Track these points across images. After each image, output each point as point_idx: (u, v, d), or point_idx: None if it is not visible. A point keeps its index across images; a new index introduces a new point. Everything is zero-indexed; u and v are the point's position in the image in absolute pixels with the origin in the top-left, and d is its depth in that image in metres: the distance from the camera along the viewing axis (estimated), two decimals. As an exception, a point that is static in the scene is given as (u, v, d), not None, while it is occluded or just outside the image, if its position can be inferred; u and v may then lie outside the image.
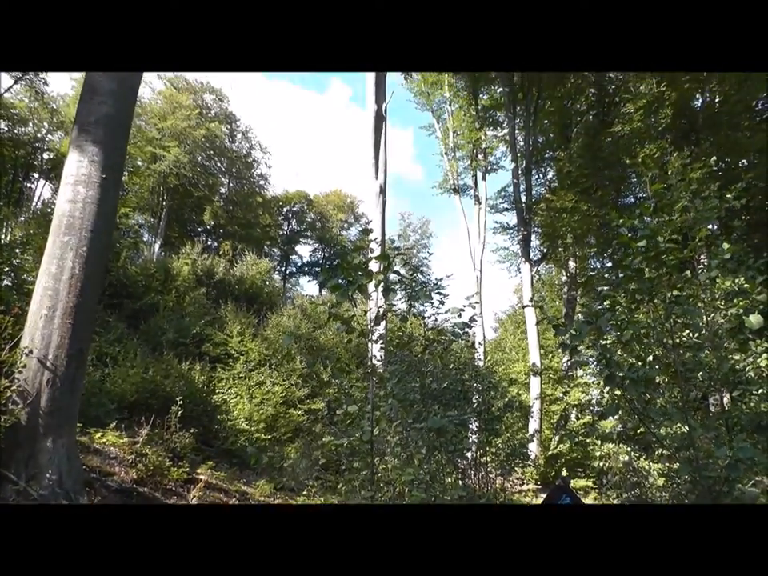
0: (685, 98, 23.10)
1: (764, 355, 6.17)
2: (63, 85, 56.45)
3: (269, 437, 18.68)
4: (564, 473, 18.45)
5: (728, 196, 6.25)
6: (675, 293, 5.54)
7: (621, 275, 5.79)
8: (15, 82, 36.90)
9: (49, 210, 23.19)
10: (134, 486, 9.67)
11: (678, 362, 5.48)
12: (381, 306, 7.35)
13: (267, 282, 35.85)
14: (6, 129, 38.59)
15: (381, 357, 9.73)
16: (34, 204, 39.92)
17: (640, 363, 5.65)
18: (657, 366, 5.80)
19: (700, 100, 24.12)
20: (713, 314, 6.63)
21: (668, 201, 5.64)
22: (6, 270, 16.83)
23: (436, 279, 7.65)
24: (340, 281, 5.22)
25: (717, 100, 23.07)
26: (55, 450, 7.43)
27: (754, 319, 4.85)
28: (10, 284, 16.45)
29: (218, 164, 55.83)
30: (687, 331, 6.22)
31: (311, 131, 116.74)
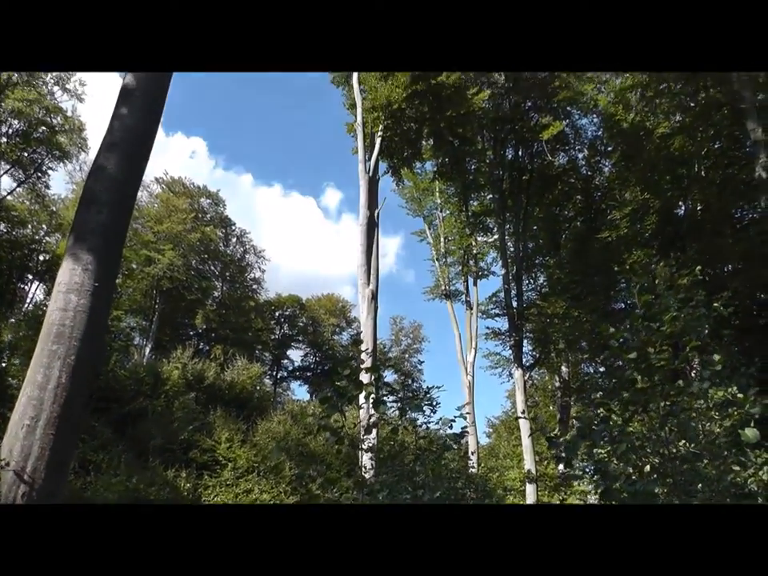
0: (668, 205, 23.64)
1: (765, 468, 6.04)
2: (63, 188, 57.57)
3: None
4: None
5: (715, 305, 6.26)
6: (669, 402, 5.48)
7: (614, 383, 5.74)
8: (18, 185, 37.74)
9: (40, 313, 23.16)
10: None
11: (676, 473, 5.36)
12: (371, 416, 7.24)
13: (258, 387, 35.62)
14: (5, 231, 39.11)
15: (371, 466, 9.52)
16: (26, 305, 39.98)
17: (637, 474, 5.52)
18: (654, 476, 5.65)
19: (683, 207, 24.66)
20: (708, 424, 6.54)
21: (657, 310, 5.64)
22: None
23: (427, 388, 7.55)
24: (329, 394, 5.14)
25: (699, 208, 23.59)
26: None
27: (750, 433, 4.76)
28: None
29: (212, 267, 56.33)
30: (683, 441, 6.11)
31: (304, 235, 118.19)
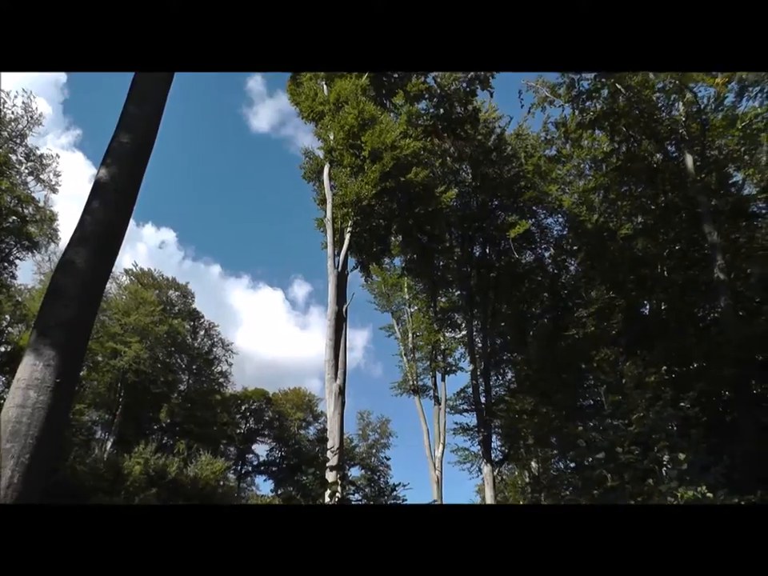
0: (633, 304, 24.05)
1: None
2: (30, 278, 57.16)
3: None
4: None
5: (682, 404, 6.31)
6: (640, 500, 5.44)
7: (584, 481, 5.70)
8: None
9: (-1, 405, 22.58)
10: None
11: None
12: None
13: (221, 482, 34.85)
14: (-34, 320, 38.49)
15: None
16: (-17, 400, 38.92)
17: None
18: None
19: (648, 307, 25.07)
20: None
21: (625, 409, 5.67)
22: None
23: (393, 485, 7.43)
24: (293, 492, 5.06)
25: (663, 307, 24.01)
26: None
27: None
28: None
29: (179, 360, 55.72)
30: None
31: (272, 326, 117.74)
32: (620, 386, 6.39)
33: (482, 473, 28.19)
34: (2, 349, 41.05)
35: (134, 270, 54.54)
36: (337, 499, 5.00)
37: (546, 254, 30.46)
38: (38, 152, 36.36)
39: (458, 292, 31.03)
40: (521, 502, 38.04)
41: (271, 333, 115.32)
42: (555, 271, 29.57)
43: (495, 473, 26.93)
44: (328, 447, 5.35)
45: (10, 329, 42.20)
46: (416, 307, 34.89)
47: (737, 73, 17.50)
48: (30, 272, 60.76)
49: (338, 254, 21.52)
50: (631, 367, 6.93)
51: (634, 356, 18.67)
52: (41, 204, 37.77)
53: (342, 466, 5.02)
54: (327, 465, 5.30)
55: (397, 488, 7.33)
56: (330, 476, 5.53)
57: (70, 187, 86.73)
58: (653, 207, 24.03)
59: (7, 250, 37.36)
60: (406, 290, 34.64)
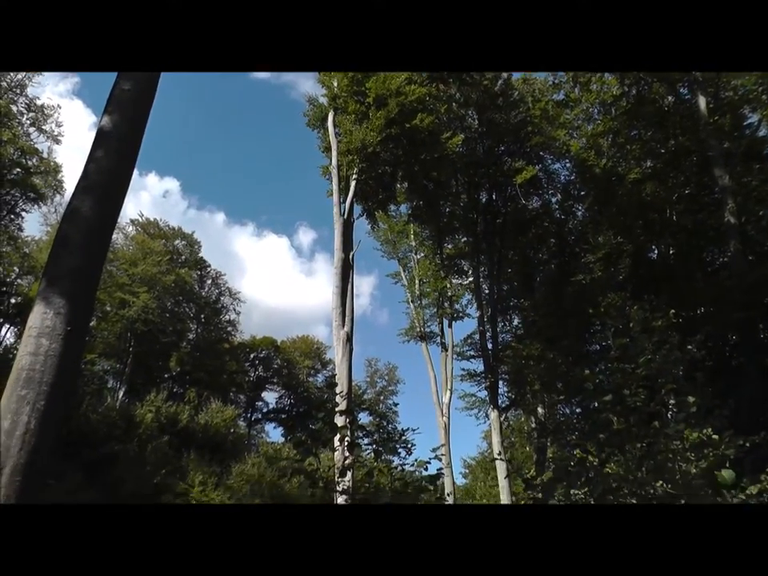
0: (641, 249, 23.91)
1: (741, 508, 6.03)
2: (37, 228, 57.20)
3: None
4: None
5: (689, 347, 6.30)
6: (645, 443, 5.47)
7: (590, 425, 5.73)
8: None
9: (11, 356, 22.83)
10: None
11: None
12: (346, 458, 7.16)
13: (232, 430, 35.26)
14: (-27, 274, 38.69)
15: (347, 510, 9.38)
16: (-5, 350, 39.33)
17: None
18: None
19: (655, 252, 24.95)
20: (685, 465, 6.53)
21: (632, 353, 5.67)
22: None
23: (402, 430, 7.49)
24: (302, 437, 5.10)
25: (671, 252, 23.89)
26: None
27: (727, 474, 4.77)
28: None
29: (187, 310, 55.96)
30: (660, 482, 6.09)
31: (278, 274, 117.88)
32: (627, 330, 6.39)
33: (488, 418, 28.50)
34: (13, 300, 41.35)
35: (140, 220, 54.49)
36: (347, 443, 5.06)
37: (553, 200, 30.24)
38: (39, 102, 36.02)
39: (465, 238, 30.89)
40: (527, 448, 38.47)
41: (277, 280, 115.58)
42: (562, 217, 29.38)
43: (502, 418, 27.15)
44: (336, 392, 5.40)
45: (19, 280, 42.45)
46: (422, 254, 34.72)
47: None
48: (36, 224, 61.00)
49: (344, 202, 21.42)
50: (638, 311, 6.92)
51: (641, 301, 18.66)
52: (44, 155, 37.54)
53: (352, 411, 5.07)
54: (337, 409, 5.34)
55: (405, 433, 7.39)
56: (340, 420, 5.58)
57: (71, 137, 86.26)
58: (662, 151, 23.71)
59: (13, 202, 37.38)
60: (412, 236, 34.47)
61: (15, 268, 42.17)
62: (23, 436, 7.49)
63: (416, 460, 7.19)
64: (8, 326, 42.51)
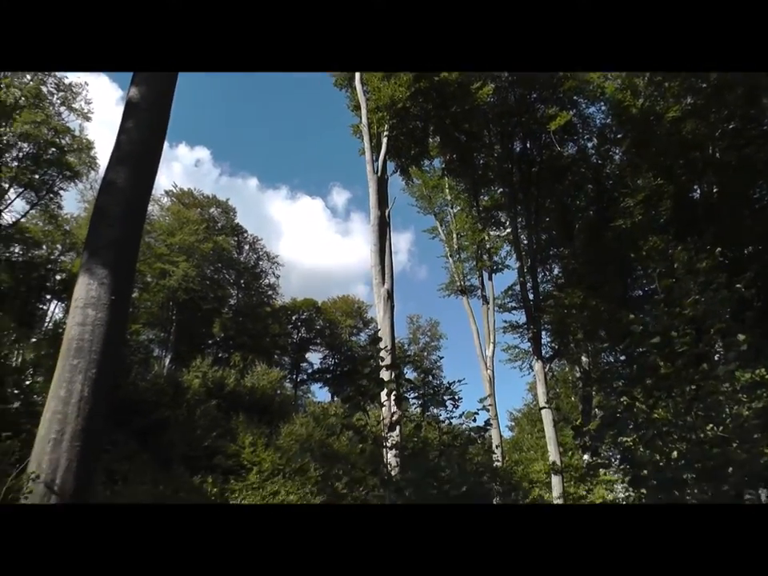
0: (682, 190, 23.38)
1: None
2: (75, 206, 58.13)
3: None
4: None
5: (738, 286, 6.16)
6: (694, 387, 5.39)
7: (636, 370, 5.67)
8: (31, 207, 38.16)
9: (60, 330, 23.36)
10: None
11: (705, 458, 5.27)
12: (394, 413, 7.20)
13: (278, 391, 35.75)
14: (21, 253, 39.61)
15: (396, 464, 9.48)
16: (45, 324, 40.31)
17: (664, 460, 5.44)
18: (683, 463, 5.56)
19: (698, 191, 24.39)
20: (736, 407, 6.44)
21: (677, 294, 5.58)
22: (16, 392, 16.81)
23: (448, 383, 7.51)
24: (351, 393, 5.13)
25: (714, 190, 23.32)
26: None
27: (781, 414, 4.69)
28: (19, 407, 16.39)
29: (227, 276, 56.54)
30: (711, 425, 6.02)
31: (314, 236, 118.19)
32: (671, 272, 6.29)
33: (533, 370, 28.42)
34: (58, 277, 42.26)
35: (174, 190, 54.97)
36: (394, 397, 5.08)
37: (589, 145, 29.62)
38: (67, 81, 36.30)
39: (501, 189, 30.55)
40: (572, 398, 38.43)
41: (313, 242, 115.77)
42: (599, 162, 28.82)
43: (546, 369, 27.08)
44: (381, 347, 5.43)
45: (62, 257, 43.31)
46: (459, 207, 34.39)
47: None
48: (74, 201, 61.95)
49: (377, 159, 21.30)
50: (682, 253, 6.78)
51: (684, 243, 18.31)
52: (76, 133, 38.10)
53: (398, 365, 5.08)
54: (383, 364, 5.35)
55: (452, 385, 7.41)
56: (386, 375, 5.60)
57: (99, 112, 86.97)
58: (704, 86, 22.99)
59: (51, 182, 38.09)
60: (447, 190, 34.16)
61: (58, 245, 43.05)
62: (78, 403, 7.70)
63: (463, 413, 7.22)
64: (56, 302, 43.64)
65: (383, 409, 9.76)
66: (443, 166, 29.75)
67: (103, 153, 44.97)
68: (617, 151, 28.32)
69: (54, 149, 36.53)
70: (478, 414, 7.06)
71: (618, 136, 27.23)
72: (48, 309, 44.28)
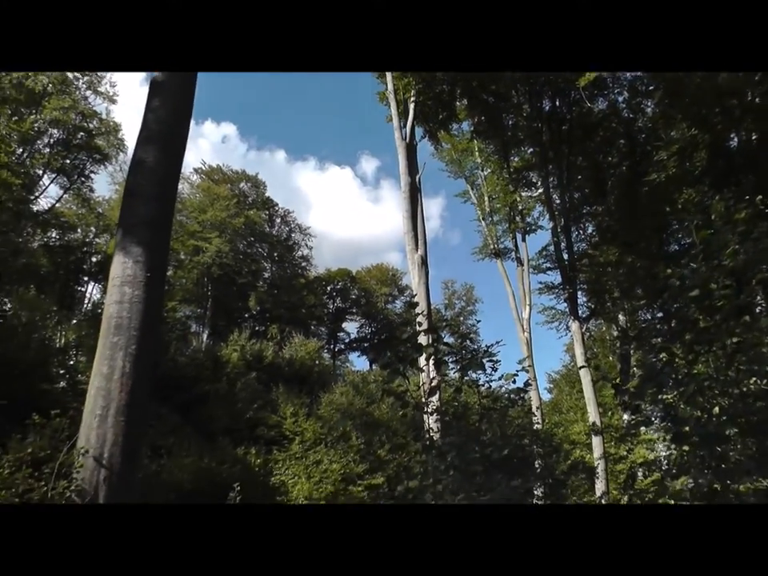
0: (719, 139, 22.83)
1: None
2: (107, 188, 58.90)
3: (329, 515, 18.44)
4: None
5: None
6: (735, 340, 5.31)
7: (674, 326, 5.61)
8: (65, 192, 38.80)
9: (99, 311, 23.81)
10: None
11: (749, 412, 5.22)
12: (433, 378, 7.23)
13: (317, 362, 36.04)
14: (58, 237, 40.40)
15: (437, 428, 9.54)
16: (84, 306, 41.05)
17: (706, 416, 5.39)
18: (725, 418, 5.51)
19: (735, 139, 23.79)
20: (780, 358, 6.34)
21: (715, 246, 5.48)
22: (61, 372, 17.18)
23: (486, 346, 7.51)
24: (390, 358, 5.15)
25: (753, 138, 22.72)
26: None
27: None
28: (65, 385, 16.76)
29: (260, 250, 56.88)
30: (754, 379, 5.94)
31: (345, 205, 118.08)
32: (708, 224, 6.16)
33: (569, 330, 28.27)
34: (94, 259, 42.98)
35: (203, 167, 55.29)
36: (433, 361, 5.09)
37: (620, 99, 29.04)
38: (91, 66, 36.60)
39: (531, 149, 30.16)
40: (610, 358, 38.20)
41: (345, 212, 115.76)
42: (630, 116, 28.24)
43: (583, 329, 26.88)
44: (417, 312, 5.45)
45: (96, 239, 43.99)
46: (489, 170, 34.06)
47: None
48: (105, 184, 62.63)
49: (405, 126, 21.17)
50: (720, 203, 6.62)
51: (721, 193, 17.92)
52: (103, 117, 38.56)
53: (435, 329, 5.09)
54: (419, 329, 5.37)
55: (490, 348, 7.41)
56: (424, 340, 5.62)
57: (124, 95, 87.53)
58: (742, 26, 22.26)
59: (81, 166, 38.76)
60: (477, 153, 33.85)
61: (92, 228, 43.73)
62: (121, 379, 7.88)
63: (502, 375, 7.23)
64: (93, 284, 44.43)
65: (422, 374, 9.79)
66: (472, 128, 29.43)
67: (131, 135, 45.41)
68: (649, 104, 27.71)
69: (82, 133, 37.29)
70: (517, 375, 7.07)
71: (650, 88, 26.62)
72: (86, 291, 45.13)
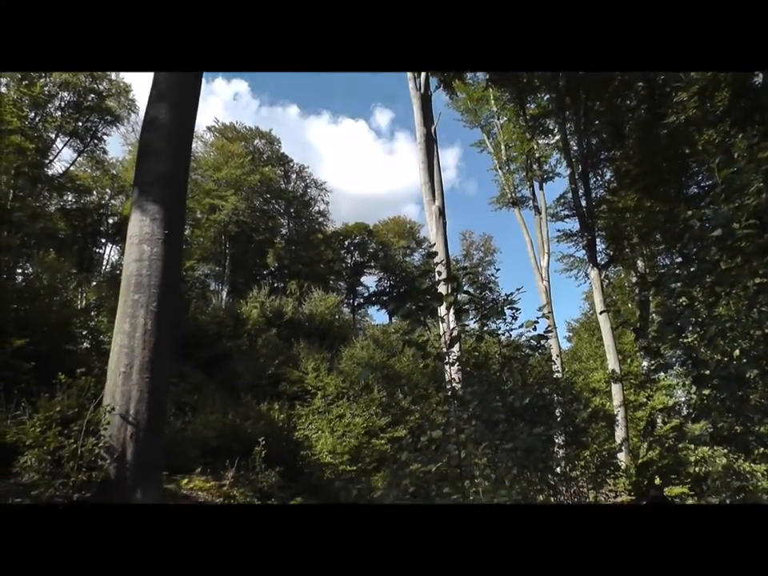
0: (740, 77, 22.31)
1: None
2: (119, 149, 58.78)
3: (354, 468, 18.73)
4: (657, 481, 17.76)
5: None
6: (758, 281, 5.26)
7: (694, 269, 5.56)
8: (78, 155, 38.88)
9: (118, 272, 23.99)
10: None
11: (770, 353, 5.19)
12: (453, 328, 7.24)
13: (337, 316, 36.16)
14: (74, 200, 40.60)
15: (459, 379, 9.59)
16: (103, 267, 41.41)
17: (727, 359, 5.37)
18: (745, 361, 5.48)
19: (760, 76, 23.24)
20: (802, 298, 6.28)
21: (738, 185, 5.40)
22: (84, 332, 17.38)
23: (506, 294, 7.50)
24: (411, 307, 5.16)
25: (779, 74, 22.19)
26: (145, 500, 7.54)
27: None
28: (88, 346, 16.98)
29: (276, 206, 56.87)
30: (776, 319, 5.89)
31: (361, 158, 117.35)
32: (730, 164, 6.05)
33: (588, 278, 28.15)
34: (110, 221, 43.22)
35: (216, 126, 55.09)
36: (453, 310, 5.08)
37: (638, 40, 28.49)
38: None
39: (547, 96, 29.74)
40: (629, 305, 38.03)
41: (360, 165, 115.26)
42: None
43: (602, 276, 26.76)
44: (436, 263, 5.43)
45: (112, 201, 44.12)
46: (505, 118, 33.58)
47: None
48: (118, 145, 62.53)
49: (419, 76, 20.90)
50: (742, 142, 6.48)
51: (743, 131, 17.54)
52: (113, 78, 38.44)
53: (456, 277, 5.09)
54: (439, 279, 5.36)
55: (510, 296, 7.40)
56: (443, 289, 5.60)
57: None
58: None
59: (94, 128, 38.82)
60: (492, 102, 33.36)
61: (107, 190, 43.85)
62: (143, 336, 7.97)
63: (523, 324, 7.23)
64: (110, 246, 44.73)
65: (442, 325, 9.80)
66: (487, 77, 29.02)
67: (142, 96, 45.23)
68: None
69: (93, 95, 37.03)
70: (537, 322, 7.07)
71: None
72: (104, 252, 45.44)
